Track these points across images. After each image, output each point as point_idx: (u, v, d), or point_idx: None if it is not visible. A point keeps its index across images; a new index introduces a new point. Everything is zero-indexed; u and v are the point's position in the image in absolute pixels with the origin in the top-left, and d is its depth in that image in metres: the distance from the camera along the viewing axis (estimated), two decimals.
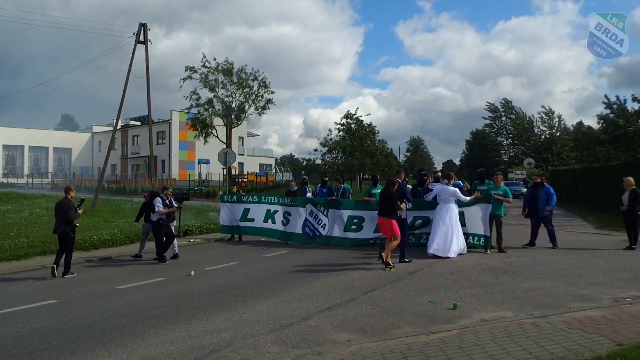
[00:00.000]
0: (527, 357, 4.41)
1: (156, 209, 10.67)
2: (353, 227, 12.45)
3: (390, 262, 9.07)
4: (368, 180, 46.63)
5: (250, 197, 14.74)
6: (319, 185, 14.73)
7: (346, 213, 12.62)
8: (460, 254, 10.32)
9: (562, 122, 71.82)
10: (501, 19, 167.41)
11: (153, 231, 10.97)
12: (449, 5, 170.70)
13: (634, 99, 22.70)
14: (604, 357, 4.26)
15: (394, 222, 9.19)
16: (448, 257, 10.03)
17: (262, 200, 14.18)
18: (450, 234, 10.23)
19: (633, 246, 10.71)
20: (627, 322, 5.37)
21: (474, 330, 5.28)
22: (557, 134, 67.16)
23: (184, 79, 34.70)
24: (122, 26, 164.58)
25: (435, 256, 10.15)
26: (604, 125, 24.94)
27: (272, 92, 36.93)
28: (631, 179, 11.02)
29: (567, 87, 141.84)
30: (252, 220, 13.86)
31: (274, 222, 13.69)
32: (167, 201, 10.91)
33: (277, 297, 7.19)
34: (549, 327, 5.25)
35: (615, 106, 23.99)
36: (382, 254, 9.12)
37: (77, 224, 9.63)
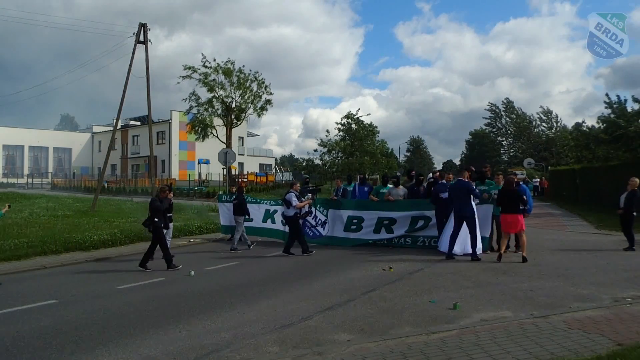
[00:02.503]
0: (527, 357, 4.41)
1: (293, 204, 11.18)
2: (353, 227, 12.45)
3: (525, 255, 9.49)
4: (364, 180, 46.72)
5: (249, 197, 14.74)
6: (355, 183, 14.33)
7: (345, 213, 12.61)
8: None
9: (560, 122, 72.08)
10: (500, 20, 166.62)
11: (289, 225, 11.56)
12: (448, 6, 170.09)
13: (635, 100, 22.68)
14: (604, 357, 4.26)
15: (521, 217, 9.69)
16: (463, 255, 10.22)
17: (261, 200, 14.18)
18: (466, 233, 10.28)
19: (633, 247, 10.70)
20: (627, 322, 5.36)
21: (474, 330, 5.28)
22: (558, 133, 67.21)
23: (183, 77, 34.73)
24: (123, 27, 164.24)
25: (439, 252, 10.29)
26: (604, 125, 24.89)
27: (271, 94, 36.90)
28: (637, 179, 10.95)
29: (565, 87, 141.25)
30: (251, 220, 13.85)
31: (273, 222, 13.69)
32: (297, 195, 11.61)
33: (277, 297, 7.19)
34: (549, 327, 5.25)
35: (615, 106, 23.95)
36: (523, 254, 9.50)
37: (157, 219, 9.74)
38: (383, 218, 12.02)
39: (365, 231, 12.28)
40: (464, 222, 10.02)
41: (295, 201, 11.25)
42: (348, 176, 16.83)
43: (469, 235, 10.12)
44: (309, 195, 12.49)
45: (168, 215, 10.49)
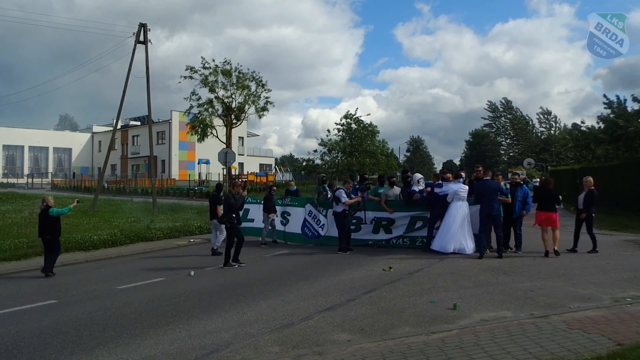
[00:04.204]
0: (527, 357, 4.41)
1: (342, 200, 11.35)
2: (351, 227, 12.41)
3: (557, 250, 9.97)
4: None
5: (249, 197, 14.71)
6: (355, 183, 14.31)
7: None
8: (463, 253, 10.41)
9: (559, 122, 72.24)
10: (499, 21, 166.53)
11: (336, 221, 11.68)
12: (447, 7, 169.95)
13: (634, 99, 22.64)
14: (604, 357, 4.26)
15: (556, 215, 10.30)
16: (454, 254, 10.27)
17: (261, 200, 14.14)
18: (461, 231, 10.43)
19: (596, 249, 10.53)
20: (627, 322, 5.36)
21: (474, 330, 5.28)
22: (556, 133, 67.28)
23: (184, 77, 34.80)
24: (124, 27, 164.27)
25: (438, 252, 10.36)
26: (604, 125, 24.85)
27: (269, 90, 36.87)
28: (591, 179, 10.91)
29: (563, 88, 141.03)
30: (252, 220, 13.84)
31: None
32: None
33: (277, 297, 7.19)
34: (549, 327, 5.25)
35: (615, 106, 23.91)
36: (554, 248, 10.08)
37: (234, 215, 10.11)
38: (381, 218, 12.01)
39: (364, 231, 12.26)
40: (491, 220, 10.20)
41: (344, 198, 11.44)
42: (349, 176, 16.83)
43: (479, 234, 10.30)
44: (359, 193, 12.39)
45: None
